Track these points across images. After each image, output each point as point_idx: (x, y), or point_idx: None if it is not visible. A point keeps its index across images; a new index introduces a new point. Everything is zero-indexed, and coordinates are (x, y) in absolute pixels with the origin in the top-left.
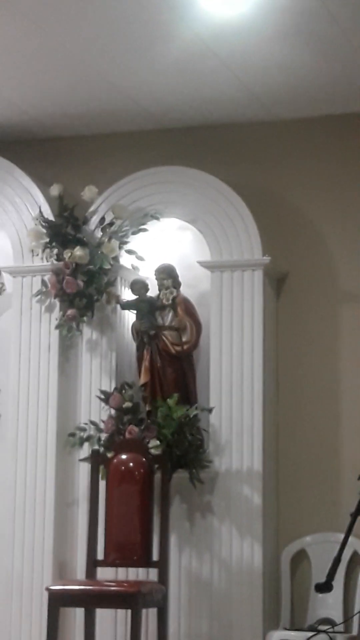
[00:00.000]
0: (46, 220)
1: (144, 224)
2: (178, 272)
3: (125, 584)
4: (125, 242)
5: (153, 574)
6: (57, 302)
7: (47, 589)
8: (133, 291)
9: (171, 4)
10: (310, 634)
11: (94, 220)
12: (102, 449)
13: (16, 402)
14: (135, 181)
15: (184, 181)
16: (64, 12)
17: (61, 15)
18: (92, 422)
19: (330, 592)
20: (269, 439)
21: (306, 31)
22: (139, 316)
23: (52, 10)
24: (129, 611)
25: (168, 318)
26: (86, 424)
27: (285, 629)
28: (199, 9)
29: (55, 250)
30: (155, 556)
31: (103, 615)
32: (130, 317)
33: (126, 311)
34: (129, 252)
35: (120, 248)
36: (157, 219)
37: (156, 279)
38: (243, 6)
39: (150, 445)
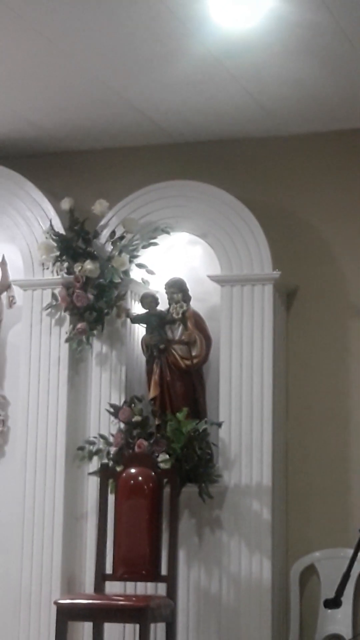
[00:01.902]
0: (57, 234)
1: (154, 238)
2: (188, 286)
3: (134, 599)
4: (136, 256)
5: (162, 588)
6: (67, 316)
7: (56, 603)
8: (143, 305)
9: (183, 19)
10: None
11: (105, 234)
12: (111, 463)
13: (26, 415)
14: (145, 195)
15: (195, 195)
16: (76, 27)
17: (73, 30)
18: (102, 436)
19: (339, 608)
20: (279, 454)
21: (317, 46)
22: (148, 330)
23: (64, 25)
24: (138, 626)
25: (178, 332)
26: (95, 437)
27: None
28: (211, 25)
29: (66, 264)
30: (164, 571)
31: (111, 629)
32: (140, 330)
33: (136, 325)
34: (139, 265)
35: (130, 262)
36: (168, 233)
37: (166, 292)
38: (254, 21)
39: (159, 459)
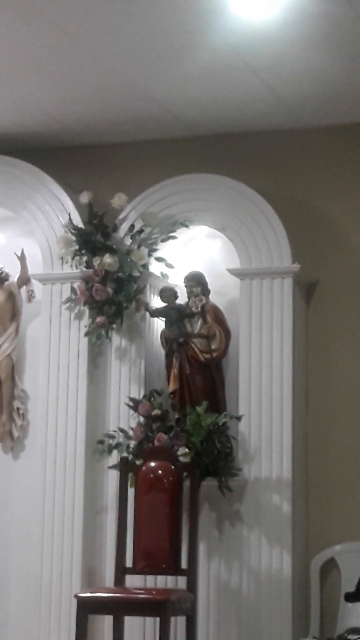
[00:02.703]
0: (76, 228)
1: (173, 232)
2: (207, 279)
3: (154, 592)
4: (155, 250)
5: (182, 582)
6: (86, 310)
7: (76, 596)
8: (162, 299)
9: (201, 11)
10: None
11: (124, 228)
12: (131, 457)
13: (45, 409)
14: (164, 189)
15: (214, 189)
16: (94, 21)
17: (92, 23)
18: (121, 430)
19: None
20: (299, 447)
21: (336, 38)
22: (168, 324)
23: (82, 19)
24: (158, 619)
25: (197, 326)
26: (115, 431)
27: (315, 638)
28: (229, 16)
29: (85, 258)
30: (184, 564)
31: (132, 623)
32: (159, 324)
33: (155, 319)
34: (159, 259)
35: (149, 255)
36: (187, 226)
37: (185, 286)
38: (273, 13)
39: (179, 453)
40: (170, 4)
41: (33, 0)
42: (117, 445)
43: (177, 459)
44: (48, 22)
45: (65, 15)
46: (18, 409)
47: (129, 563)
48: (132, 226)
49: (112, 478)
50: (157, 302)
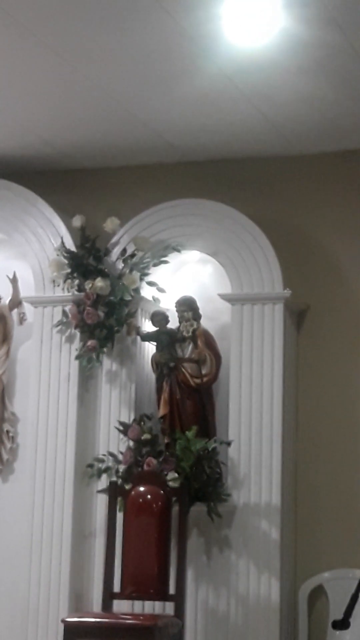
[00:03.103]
0: (68, 251)
1: (165, 256)
2: (198, 304)
3: (142, 617)
4: (146, 274)
5: (169, 607)
6: (77, 333)
7: (63, 621)
8: (153, 323)
9: (195, 37)
10: None
11: (116, 252)
12: (120, 481)
13: (35, 431)
14: (157, 213)
15: (206, 214)
16: (89, 45)
17: (86, 48)
18: (111, 454)
19: (347, 630)
20: (288, 474)
21: (329, 66)
22: (159, 348)
23: (77, 44)
24: None
25: (188, 350)
26: (104, 455)
27: None
28: (223, 43)
29: (77, 281)
30: (172, 590)
31: None
32: (150, 348)
33: (146, 343)
34: (150, 283)
35: (141, 280)
36: (179, 251)
37: (177, 311)
38: (266, 40)
39: (168, 477)
40: (165, 30)
41: (28, 25)
42: (107, 469)
43: (167, 483)
44: (43, 46)
45: (60, 40)
46: (8, 431)
47: (116, 588)
48: (124, 250)
49: (101, 502)
50: (148, 326)
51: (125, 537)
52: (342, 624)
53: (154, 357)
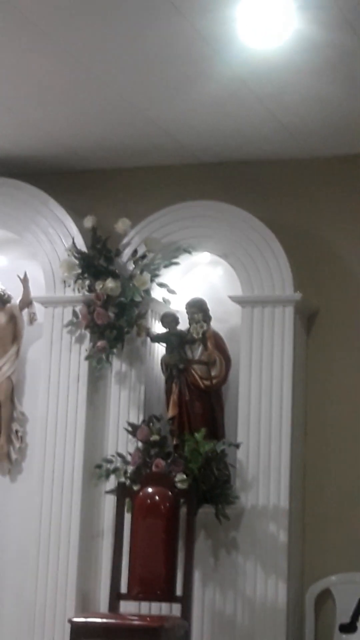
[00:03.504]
0: (79, 252)
1: (176, 258)
2: (209, 306)
3: (148, 619)
4: (157, 275)
5: (176, 609)
6: (87, 333)
7: (70, 621)
8: (163, 324)
9: (209, 39)
10: None
11: (127, 253)
12: (128, 482)
13: (44, 431)
14: (168, 215)
15: (217, 216)
16: (102, 47)
17: (99, 50)
18: (119, 455)
19: (354, 633)
20: (296, 476)
21: (343, 68)
22: (168, 349)
23: (90, 45)
24: None
25: (198, 352)
26: (113, 456)
27: None
28: (236, 45)
29: (87, 282)
30: (179, 591)
31: None
32: (160, 350)
33: (156, 344)
34: (161, 285)
35: (151, 281)
36: (190, 252)
37: (187, 312)
38: (280, 42)
39: (176, 479)
40: (178, 32)
41: (40, 25)
42: (115, 470)
43: (175, 485)
44: (56, 48)
45: (72, 41)
46: (17, 431)
47: (123, 589)
48: (135, 251)
49: (109, 503)
50: (158, 328)
51: (133, 538)
52: (349, 627)
53: (163, 359)
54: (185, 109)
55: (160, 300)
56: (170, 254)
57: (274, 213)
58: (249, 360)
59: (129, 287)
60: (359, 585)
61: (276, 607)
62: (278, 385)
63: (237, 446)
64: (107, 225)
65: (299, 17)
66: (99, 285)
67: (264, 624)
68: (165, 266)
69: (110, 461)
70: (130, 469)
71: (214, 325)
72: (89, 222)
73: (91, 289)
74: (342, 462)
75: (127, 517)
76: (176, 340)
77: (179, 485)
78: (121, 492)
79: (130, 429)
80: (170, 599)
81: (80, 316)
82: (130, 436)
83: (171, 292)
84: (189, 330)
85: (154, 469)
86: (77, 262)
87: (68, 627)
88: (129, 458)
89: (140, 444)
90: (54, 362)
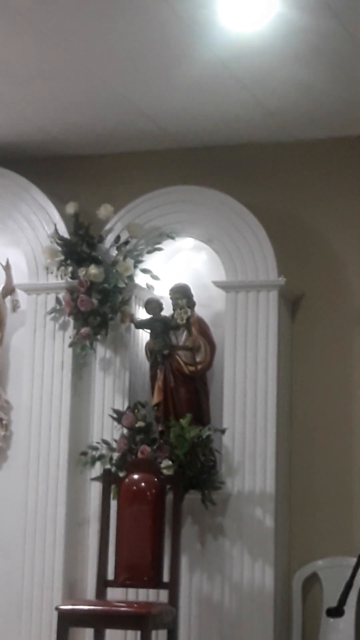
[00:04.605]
0: (61, 238)
1: (159, 243)
2: (193, 291)
3: (136, 605)
4: (140, 261)
5: (163, 595)
6: (71, 320)
7: (57, 609)
8: (147, 310)
9: (190, 23)
10: None
11: (109, 239)
12: (114, 469)
13: (28, 419)
14: (151, 200)
15: (200, 201)
16: (83, 31)
17: (80, 34)
18: (105, 441)
19: (341, 617)
20: (282, 461)
21: (325, 52)
22: (152, 335)
23: (71, 29)
24: (139, 632)
25: (182, 338)
26: (98, 442)
27: None
28: (218, 29)
29: (70, 268)
30: (165, 577)
31: (112, 636)
32: (144, 336)
33: (140, 330)
34: (144, 271)
35: (135, 267)
36: (173, 238)
37: (171, 298)
38: (261, 26)
39: (162, 465)
40: (160, 17)
41: (22, 10)
42: (100, 457)
43: (160, 471)
44: (36, 32)
45: (54, 27)
46: (1, 419)
47: (110, 576)
48: (117, 237)
49: (95, 490)
50: (142, 314)
51: (119, 525)
52: (336, 611)
53: (147, 345)
54: (168, 93)
55: (144, 286)
56: (154, 239)
57: (258, 197)
58: (234, 346)
59: (112, 273)
60: (346, 569)
61: (263, 592)
62: (263, 370)
63: (223, 432)
64: (89, 211)
65: (281, 1)
66: (82, 272)
67: (251, 608)
68: (149, 252)
69: (95, 448)
70: (115, 455)
71: (198, 310)
72: (71, 208)
73: (74, 275)
74: (329, 446)
75: (113, 504)
76: (160, 326)
77: (164, 471)
78: (107, 478)
79: (115, 415)
80: (157, 586)
81: (63, 303)
82: (115, 423)
83: (155, 278)
84: (173, 316)
85: (139, 455)
86: (59, 248)
87: (55, 614)
88: (114, 445)
89: (125, 431)
90: (38, 350)
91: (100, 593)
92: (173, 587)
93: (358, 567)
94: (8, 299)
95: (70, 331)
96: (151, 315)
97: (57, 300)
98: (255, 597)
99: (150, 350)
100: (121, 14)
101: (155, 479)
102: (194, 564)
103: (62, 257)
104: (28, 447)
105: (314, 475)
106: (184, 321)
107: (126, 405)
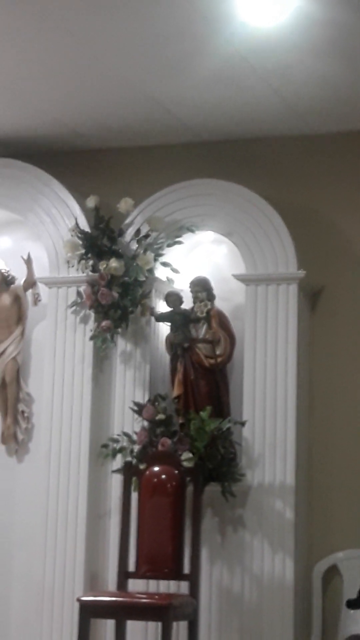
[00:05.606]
0: (82, 232)
1: (179, 237)
2: (212, 284)
3: (157, 597)
4: (161, 255)
5: (184, 587)
6: (91, 313)
7: (78, 600)
8: (167, 303)
9: (209, 17)
10: None
11: (130, 232)
12: (134, 461)
13: (50, 412)
14: (171, 194)
15: (221, 194)
16: (103, 26)
17: (100, 29)
18: (125, 434)
19: None
20: (302, 453)
21: (343, 45)
22: (173, 328)
23: (91, 24)
24: (160, 624)
25: (202, 331)
26: (119, 435)
27: None
28: (237, 23)
29: (91, 262)
30: (186, 569)
31: (134, 627)
32: (164, 329)
33: (160, 323)
34: (164, 264)
35: (155, 260)
36: (193, 231)
37: (191, 291)
38: (280, 20)
39: (182, 457)
40: (179, 11)
41: (43, 5)
42: (121, 450)
43: (181, 463)
44: (58, 27)
45: (74, 20)
46: (23, 412)
47: (131, 567)
48: (138, 231)
49: (116, 482)
50: (162, 307)
51: (140, 517)
52: (356, 603)
53: (168, 338)
54: (188, 87)
55: (164, 279)
56: (174, 233)
57: (277, 191)
58: (254, 338)
59: (133, 266)
60: None
61: (283, 584)
62: (283, 362)
63: (243, 424)
64: (110, 204)
65: None
66: (102, 265)
67: (271, 600)
68: (169, 245)
69: (116, 440)
70: (136, 448)
71: (218, 303)
72: (91, 202)
73: (95, 269)
74: (348, 438)
75: (134, 496)
76: (180, 319)
77: (185, 463)
78: (128, 471)
79: (135, 408)
80: (178, 577)
81: (84, 296)
82: (136, 415)
83: (175, 271)
84: (193, 309)
85: (160, 447)
86: (80, 242)
87: (77, 606)
88: (134, 437)
89: (146, 423)
90: (59, 343)
91: (122, 584)
92: (193, 579)
93: None
94: (29, 292)
95: (91, 324)
96: (171, 308)
97: (78, 294)
98: (275, 589)
99: (171, 343)
100: (141, 9)
101: (176, 472)
102: (214, 556)
103: (83, 251)
104: (49, 440)
105: (334, 467)
106: (204, 314)
107: (146, 397)
